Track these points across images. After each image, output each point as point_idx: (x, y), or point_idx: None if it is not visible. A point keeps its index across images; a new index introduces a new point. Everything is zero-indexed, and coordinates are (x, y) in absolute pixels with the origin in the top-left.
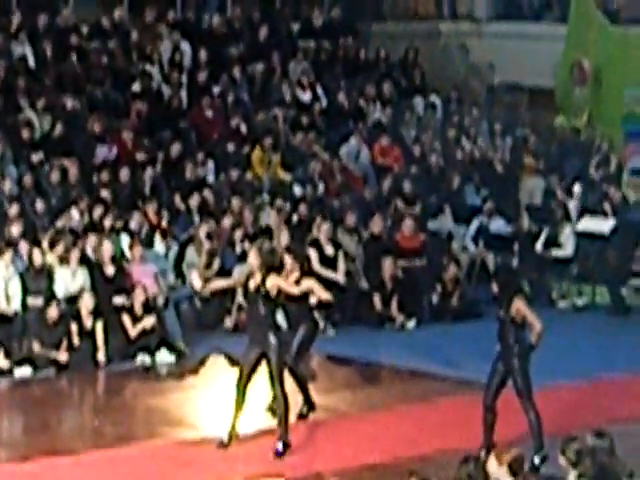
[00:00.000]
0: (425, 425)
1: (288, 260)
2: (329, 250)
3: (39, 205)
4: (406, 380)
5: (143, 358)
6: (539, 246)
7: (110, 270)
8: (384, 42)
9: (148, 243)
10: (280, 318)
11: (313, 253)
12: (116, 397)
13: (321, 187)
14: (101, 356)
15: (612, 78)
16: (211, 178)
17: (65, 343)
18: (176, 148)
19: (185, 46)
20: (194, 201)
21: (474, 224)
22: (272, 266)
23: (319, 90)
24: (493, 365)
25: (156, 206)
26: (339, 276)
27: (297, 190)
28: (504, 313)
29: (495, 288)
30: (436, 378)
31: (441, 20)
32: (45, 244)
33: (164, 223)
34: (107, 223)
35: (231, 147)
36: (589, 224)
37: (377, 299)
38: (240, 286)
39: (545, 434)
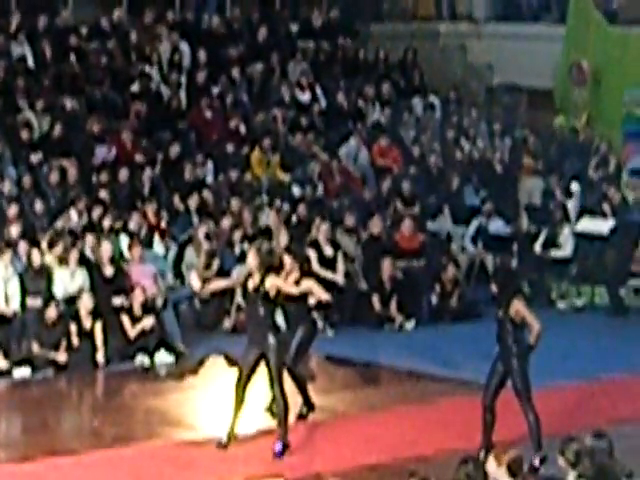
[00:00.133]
0: (424, 425)
1: (287, 260)
2: (328, 251)
3: (38, 206)
4: (405, 381)
5: (142, 359)
6: (538, 247)
7: (109, 271)
8: (383, 43)
9: (147, 244)
10: (279, 319)
11: (312, 254)
12: (115, 398)
13: (320, 188)
14: (100, 357)
15: (611, 79)
16: (210, 179)
17: (64, 344)
18: (175, 149)
19: (184, 47)
20: (193, 202)
21: (473, 225)
22: (271, 266)
23: (318, 91)
24: (492, 366)
25: (155, 207)
26: (338, 277)
27: (296, 191)
28: (503, 314)
29: (494, 288)
30: (435, 379)
31: (440, 21)
32: (44, 245)
33: (163, 224)
34: (106, 224)
35: (230, 148)
36: (588, 225)
37: (376, 300)
38: (239, 286)
39: (544, 435)
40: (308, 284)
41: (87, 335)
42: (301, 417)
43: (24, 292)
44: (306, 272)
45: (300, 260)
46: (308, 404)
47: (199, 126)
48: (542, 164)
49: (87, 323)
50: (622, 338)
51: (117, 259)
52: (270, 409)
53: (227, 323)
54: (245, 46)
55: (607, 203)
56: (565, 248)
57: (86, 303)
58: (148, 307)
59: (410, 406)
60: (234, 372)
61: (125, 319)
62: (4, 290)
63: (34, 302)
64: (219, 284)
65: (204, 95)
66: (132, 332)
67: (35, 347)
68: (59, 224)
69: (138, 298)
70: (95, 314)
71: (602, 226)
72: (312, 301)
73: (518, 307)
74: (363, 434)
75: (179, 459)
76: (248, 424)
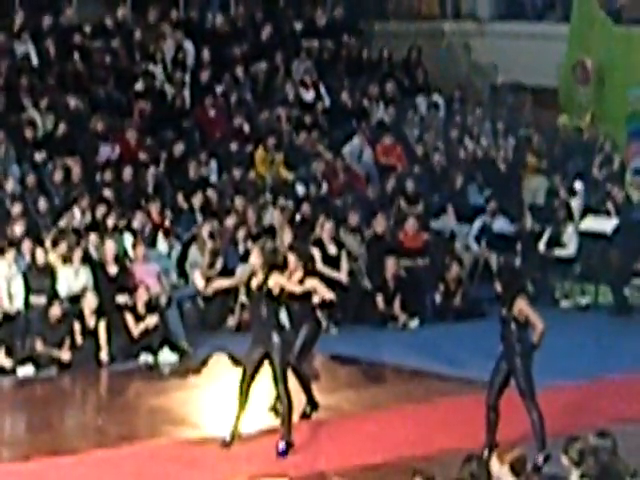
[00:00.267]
0: (428, 424)
1: (291, 259)
2: (332, 249)
3: (42, 204)
4: (409, 379)
5: (146, 357)
6: (542, 245)
7: (113, 269)
8: (387, 42)
9: (151, 242)
10: (283, 317)
11: (316, 252)
12: (119, 396)
13: (324, 186)
14: (104, 355)
15: (615, 78)
16: (214, 177)
17: (68, 342)
18: (179, 147)
19: (188, 45)
20: (197, 200)
21: (477, 223)
22: (275, 265)
23: (322, 89)
24: (496, 364)
25: (159, 205)
26: (342, 275)
27: (300, 189)
28: (507, 312)
29: (498, 287)
30: (439, 377)
31: (444, 20)
32: (48, 243)
33: (167, 222)
34: (110, 222)
35: (234, 146)
36: (592, 223)
37: (380, 298)
38: (243, 285)
39: (548, 433)
40: (312, 283)
41: (91, 333)
42: (305, 416)
43: (28, 290)
44: (310, 271)
45: (304, 259)
46: (312, 403)
47: (203, 125)
48: (546, 163)
49: (91, 321)
50: (626, 337)
51: (121, 258)
52: (274, 408)
53: (231, 322)
54: (249, 45)
55: (611, 202)
56: (569, 247)
57: (90, 302)
58: (152, 306)
59: (414, 405)
60: (238, 371)
61: (129, 318)
62: (8, 288)
63: (38, 300)
64: (223, 283)
65: (208, 94)
66: (136, 331)
67: (39, 345)
68: (63, 223)
69: (142, 297)
70: (99, 313)
71: (606, 225)
72: (316, 300)
73: (522, 306)
74: (367, 433)
75: (183, 458)
76: (252, 423)
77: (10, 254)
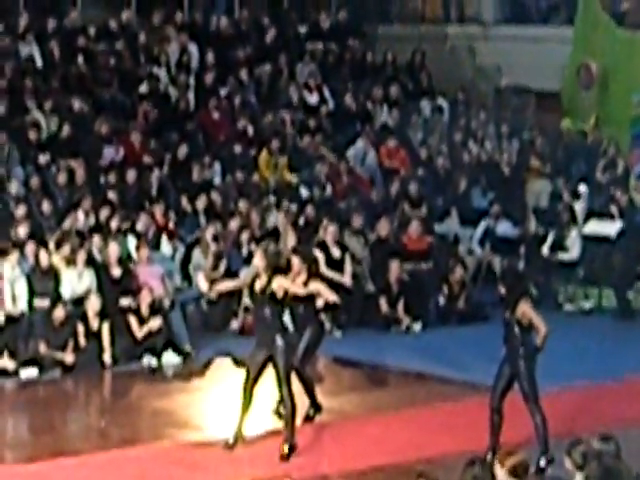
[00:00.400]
0: (431, 427)
1: (295, 262)
2: (335, 252)
3: (46, 206)
4: (412, 382)
5: (149, 360)
6: (545, 249)
7: (116, 271)
8: (391, 45)
9: (155, 245)
10: (287, 320)
11: (320, 255)
12: (122, 398)
13: (328, 189)
14: (107, 357)
15: (619, 81)
16: (218, 180)
17: (71, 344)
18: (183, 150)
19: (192, 48)
20: (201, 203)
21: (481, 227)
22: (278, 268)
23: (326, 92)
24: (499, 368)
25: (163, 208)
26: (345, 278)
27: (304, 192)
28: (510, 316)
29: (501, 291)
30: (442, 380)
31: (448, 23)
32: (51, 245)
33: (171, 225)
34: (114, 224)
35: (238, 149)
36: (596, 227)
37: (383, 301)
38: (246, 288)
39: (551, 436)
40: (316, 285)
41: (94, 336)
42: (308, 419)
43: (31, 293)
44: (314, 274)
45: (308, 261)
46: (315, 406)
47: (207, 127)
48: (550, 166)
49: (94, 324)
50: (629, 340)
51: (125, 260)
52: (277, 410)
53: (234, 324)
54: (253, 47)
55: (615, 205)
56: (572, 250)
57: (93, 304)
58: (155, 308)
59: (417, 408)
60: (241, 373)
61: (132, 320)
62: (11, 291)
63: (41, 303)
64: (226, 285)
65: (212, 96)
66: (139, 333)
67: (42, 348)
68: (66, 225)
69: (145, 299)
70: (102, 315)
71: (610, 228)
72: (320, 303)
73: (525, 309)
74: (370, 436)
75: (186, 460)
76: (255, 425)
77: (14, 256)
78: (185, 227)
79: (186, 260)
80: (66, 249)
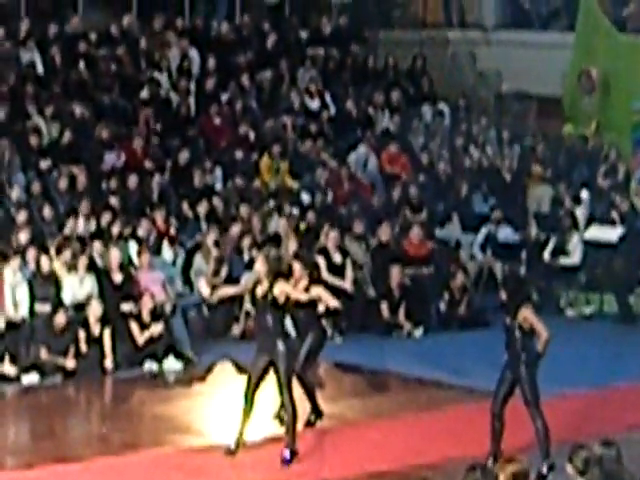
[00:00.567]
0: (432, 433)
1: (297, 267)
2: (337, 258)
3: (47, 212)
4: (413, 388)
5: (150, 365)
6: (547, 254)
7: (118, 277)
8: (392, 50)
9: (156, 250)
10: (288, 325)
11: (321, 261)
12: (123, 404)
13: (329, 195)
14: (108, 363)
15: (620, 87)
16: (219, 185)
17: (72, 350)
18: (184, 155)
19: (193, 53)
20: (202, 208)
21: (482, 232)
22: (280, 273)
23: (327, 98)
24: (501, 373)
25: (164, 213)
26: (347, 284)
27: (305, 198)
28: (511, 321)
29: (503, 296)
30: (443, 386)
31: (449, 28)
32: (52, 251)
33: (172, 230)
34: (115, 230)
35: (239, 154)
36: (597, 232)
37: (384, 307)
38: (248, 293)
39: (552, 442)
40: (317, 291)
41: (96, 341)
42: (309, 424)
43: (33, 298)
44: (315, 279)
45: (309, 267)
46: (316, 411)
47: (208, 133)
48: (551, 172)
49: (96, 329)
50: (631, 346)
51: (126, 266)
52: (278, 416)
53: (236, 330)
54: (254, 53)
55: (616, 211)
56: (574, 256)
57: (95, 309)
58: (157, 314)
59: (418, 413)
60: (243, 379)
61: (134, 325)
62: (13, 296)
63: (43, 308)
64: (228, 291)
65: (213, 102)
66: (141, 339)
67: (43, 353)
68: (67, 230)
69: (147, 305)
70: (104, 320)
71: (611, 234)
72: (321, 308)
73: (527, 315)
74: (371, 441)
75: (187, 466)
76: (256, 431)
77: (15, 262)
78: (186, 233)
79: (187, 265)
80: (67, 254)
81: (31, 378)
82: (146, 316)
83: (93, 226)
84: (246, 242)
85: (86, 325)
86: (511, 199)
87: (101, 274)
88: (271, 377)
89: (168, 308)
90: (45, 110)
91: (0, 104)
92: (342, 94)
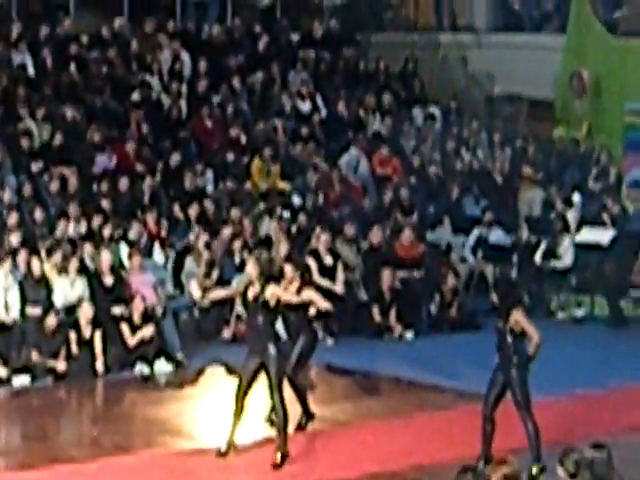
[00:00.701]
0: (424, 435)
1: (288, 270)
2: (328, 260)
3: (38, 214)
4: (405, 390)
5: (141, 368)
6: (538, 257)
7: (109, 280)
8: (384, 53)
9: (147, 253)
10: (280, 328)
11: (312, 263)
12: (114, 406)
13: (320, 197)
14: (99, 365)
15: (611, 89)
16: (210, 188)
17: (63, 352)
18: (175, 158)
19: (185, 56)
20: (193, 211)
21: (473, 235)
22: (271, 276)
23: (319, 100)
24: (492, 376)
25: (155, 216)
26: (338, 286)
27: (296, 200)
28: (503, 324)
29: (494, 299)
30: (435, 389)
31: (441, 31)
32: (43, 253)
33: (163, 233)
34: (106, 232)
35: (230, 157)
36: (588, 235)
37: (376, 310)
38: (239, 296)
39: (543, 445)
40: (309, 293)
41: (87, 344)
42: (300, 427)
43: (24, 301)
44: (307, 281)
45: (301, 269)
46: (307, 414)
47: (199, 135)
48: (542, 174)
49: (87, 332)
50: (622, 349)
51: (117, 268)
52: (269, 419)
53: (227, 333)
54: (246, 55)
55: (607, 214)
56: (565, 259)
57: (86, 312)
58: (148, 316)
59: (410, 416)
60: (233, 381)
61: (125, 328)
62: (4, 298)
63: (34, 311)
64: (219, 293)
65: (205, 104)
66: (132, 341)
67: (34, 355)
68: (58, 232)
69: (138, 307)
70: (95, 323)
71: (602, 237)
72: (312, 311)
73: (518, 317)
74: (362, 444)
75: (178, 468)
76: (248, 433)
77: (6, 264)
78: (177, 235)
79: (178, 268)
80: (58, 257)
81: (22, 380)
82: (137, 318)
83: (84, 228)
84: (237, 245)
85: (77, 327)
86: (502, 202)
87: (92, 276)
88: (262, 380)
89: (159, 310)
90: (36, 112)
91: None
92: (333, 97)
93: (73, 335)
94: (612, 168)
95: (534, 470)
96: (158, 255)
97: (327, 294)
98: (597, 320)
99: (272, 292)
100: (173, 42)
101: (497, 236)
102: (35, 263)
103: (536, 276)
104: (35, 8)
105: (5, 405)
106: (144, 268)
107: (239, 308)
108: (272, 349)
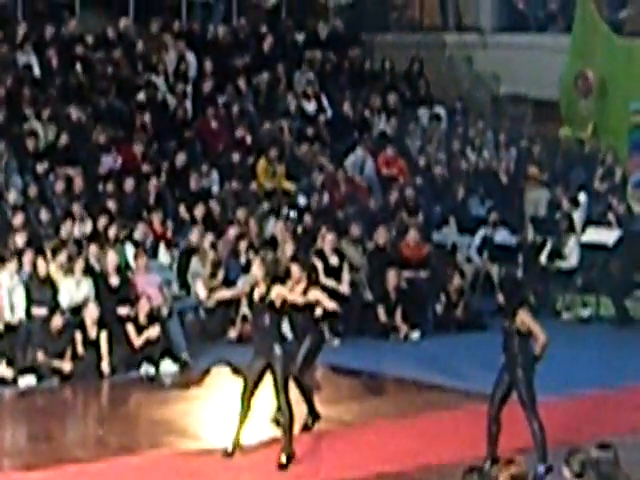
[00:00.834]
0: (429, 435)
1: (295, 270)
2: (333, 261)
3: (44, 215)
4: (410, 391)
5: (147, 368)
6: (543, 257)
7: (115, 280)
8: (389, 53)
9: (153, 253)
10: (286, 329)
11: (318, 263)
12: (120, 407)
13: (326, 198)
14: (105, 366)
15: (617, 90)
16: (216, 188)
17: (69, 353)
18: (181, 158)
19: (190, 56)
20: (199, 211)
21: (479, 235)
22: (276, 276)
23: (324, 101)
24: (498, 376)
25: (161, 216)
26: (343, 287)
27: (302, 200)
28: (509, 324)
29: (500, 299)
30: (440, 389)
31: (446, 31)
32: (49, 254)
33: (169, 233)
34: (112, 233)
35: (236, 157)
36: (593, 235)
37: (381, 310)
38: (245, 296)
39: (549, 445)
40: (315, 294)
41: (92, 344)
42: (306, 427)
43: (29, 301)
44: (313, 282)
45: (307, 270)
46: (313, 414)
47: (205, 136)
48: (547, 175)
49: (92, 332)
50: (627, 349)
51: (123, 269)
52: (275, 419)
53: (232, 333)
54: (251, 56)
55: (612, 214)
56: (570, 259)
57: (91, 312)
58: (153, 317)
59: (415, 416)
60: (239, 382)
61: (130, 328)
62: (10, 299)
63: (39, 311)
64: (225, 294)
65: (210, 105)
66: (137, 341)
67: (40, 356)
68: (64, 233)
69: (143, 308)
70: (100, 323)
71: (607, 237)
72: (319, 311)
73: (524, 317)
74: (368, 444)
75: (184, 469)
76: (253, 434)
77: (12, 265)
78: (183, 235)
79: (184, 268)
80: (63, 257)
81: (28, 381)
82: (143, 319)
83: (89, 229)
84: (243, 245)
85: (83, 328)
86: (508, 202)
87: (98, 277)
88: (268, 380)
89: (165, 311)
90: (42, 113)
91: None
92: (339, 97)
93: (79, 335)
94: (617, 168)
95: (540, 470)
96: (164, 256)
97: (333, 294)
98: (603, 320)
99: (278, 292)
100: (178, 42)
101: (503, 236)
102: (41, 263)
103: (542, 276)
104: (40, 9)
105: (11, 405)
106: (150, 269)
107: (245, 308)
108: (278, 349)
